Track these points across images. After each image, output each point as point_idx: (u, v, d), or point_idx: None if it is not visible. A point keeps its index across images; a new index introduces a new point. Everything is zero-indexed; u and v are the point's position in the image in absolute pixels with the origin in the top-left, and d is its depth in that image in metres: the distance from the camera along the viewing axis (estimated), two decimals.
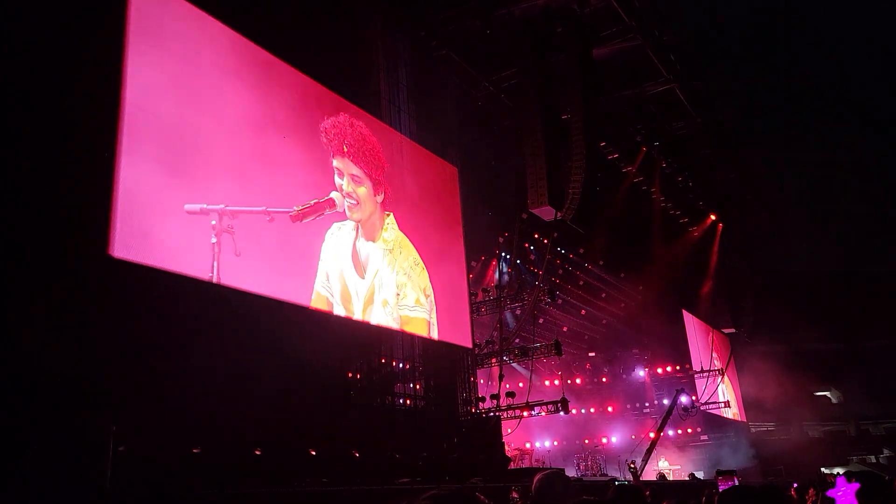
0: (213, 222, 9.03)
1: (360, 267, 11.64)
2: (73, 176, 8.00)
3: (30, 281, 7.61)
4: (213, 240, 9.00)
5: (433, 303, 13.60)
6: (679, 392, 23.12)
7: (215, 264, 8.94)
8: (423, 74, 16.25)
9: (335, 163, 11.47)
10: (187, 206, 8.85)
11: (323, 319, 11.11)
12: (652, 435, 24.66)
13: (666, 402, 28.48)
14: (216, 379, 9.04)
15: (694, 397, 24.99)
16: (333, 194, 11.25)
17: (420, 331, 12.95)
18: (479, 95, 18.26)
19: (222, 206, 9.21)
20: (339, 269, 11.21)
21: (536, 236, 21.32)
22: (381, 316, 12.12)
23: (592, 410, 27.96)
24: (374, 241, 12.19)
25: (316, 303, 10.81)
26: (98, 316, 7.97)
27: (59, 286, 7.72)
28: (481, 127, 18.77)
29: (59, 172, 7.93)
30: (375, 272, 12.01)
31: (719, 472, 16.63)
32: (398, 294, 12.37)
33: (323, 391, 11.37)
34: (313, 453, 10.13)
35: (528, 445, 22.53)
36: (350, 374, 12.98)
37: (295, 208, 10.50)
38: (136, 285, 8.24)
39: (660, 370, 29.11)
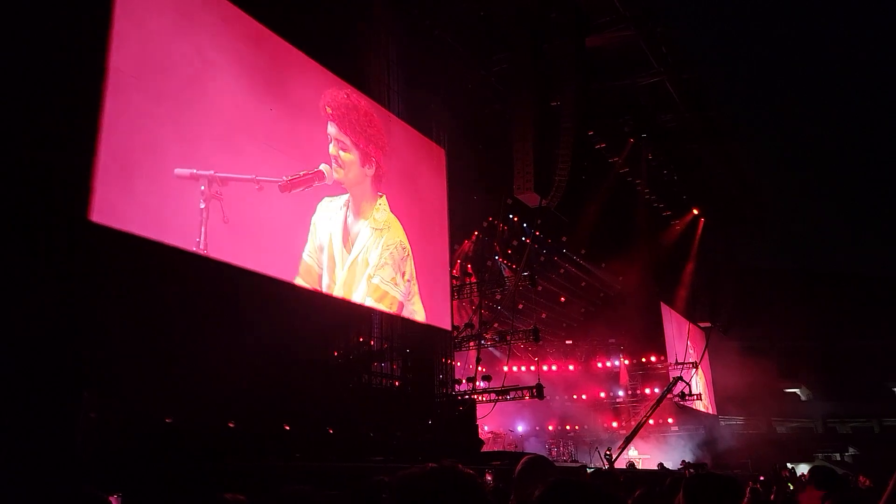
0: (203, 188, 9.00)
1: (348, 242, 11.67)
2: (53, 136, 7.85)
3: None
4: (202, 205, 8.98)
5: (414, 288, 13.56)
6: (677, 380, 23.41)
7: (203, 229, 8.92)
8: (415, 54, 16.10)
9: (328, 128, 11.46)
10: (177, 171, 8.79)
11: (303, 295, 11.07)
12: (620, 423, 24.97)
13: (641, 391, 28.89)
14: (192, 349, 8.98)
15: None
16: (322, 166, 11.24)
17: (385, 306, 12.76)
18: (470, 78, 18.15)
19: (212, 172, 9.17)
20: (329, 241, 11.25)
21: (517, 220, 21.33)
22: (365, 290, 12.09)
23: (566, 397, 28.22)
24: (364, 218, 12.19)
25: (302, 271, 10.76)
26: (72, 278, 7.87)
27: (33, 248, 7.60)
28: (470, 110, 18.67)
29: (39, 133, 7.77)
30: (362, 248, 12.04)
31: (687, 465, 16.91)
32: (377, 265, 12.34)
33: (299, 367, 11.34)
34: (287, 429, 10.12)
35: (501, 430, 22.70)
36: (328, 351, 12.96)
37: (284, 178, 10.45)
38: (114, 251, 8.14)
39: (635, 360, 29.43)
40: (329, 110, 11.44)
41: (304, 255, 10.75)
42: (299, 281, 10.69)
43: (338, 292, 11.60)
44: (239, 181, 9.65)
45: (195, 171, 9.01)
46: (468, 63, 17.57)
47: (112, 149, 7.99)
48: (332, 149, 11.56)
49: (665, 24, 17.37)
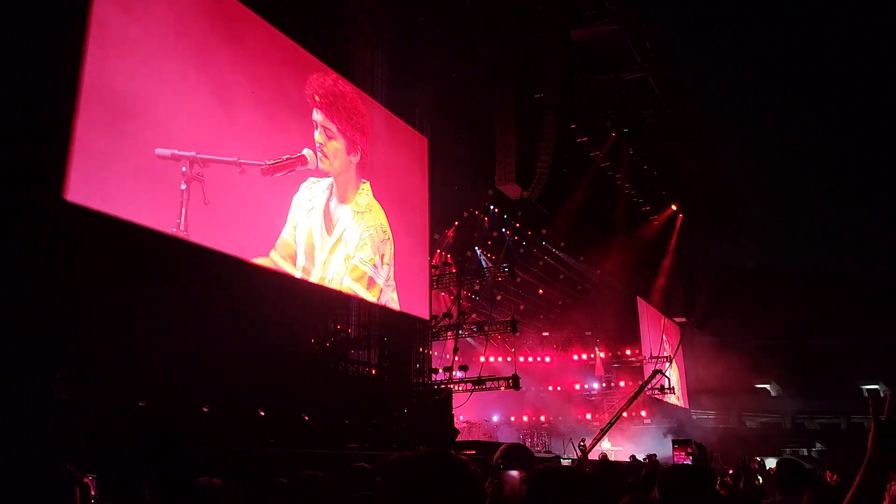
0: (184, 169, 8.88)
1: (329, 225, 11.59)
2: (28, 112, 7.71)
3: None
4: (183, 186, 8.88)
5: (391, 273, 13.56)
6: (656, 373, 23.63)
7: (183, 211, 8.83)
8: (400, 43, 16.01)
9: (314, 114, 11.33)
10: (158, 150, 8.66)
11: (282, 280, 11.01)
12: (594, 415, 25.22)
13: (616, 384, 29.17)
14: (167, 333, 8.90)
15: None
16: (305, 151, 11.13)
17: (363, 286, 12.72)
18: (455, 67, 18.09)
19: (193, 153, 9.06)
20: (308, 224, 11.15)
21: (498, 211, 21.36)
22: (343, 270, 12.01)
23: (542, 388, 28.40)
24: (346, 202, 12.14)
25: (279, 246, 10.61)
26: (45, 258, 7.76)
27: (4, 228, 7.47)
28: (454, 99, 18.62)
29: (12, 109, 7.63)
30: (343, 230, 11.96)
31: (675, 442, 17.19)
32: (357, 246, 12.30)
33: (276, 352, 11.29)
34: (262, 414, 10.09)
35: (477, 419, 22.81)
36: (304, 338, 12.91)
37: (266, 162, 10.34)
38: (90, 231, 8.03)
39: (611, 353, 29.69)
40: (317, 98, 11.34)
41: (283, 233, 10.60)
42: (273, 255, 10.47)
43: (316, 275, 11.52)
44: (221, 163, 9.55)
45: (176, 151, 8.90)
46: (453, 52, 17.51)
47: (90, 127, 7.87)
48: (318, 136, 11.46)
49: (650, 20, 17.47)
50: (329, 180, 11.81)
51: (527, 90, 15.61)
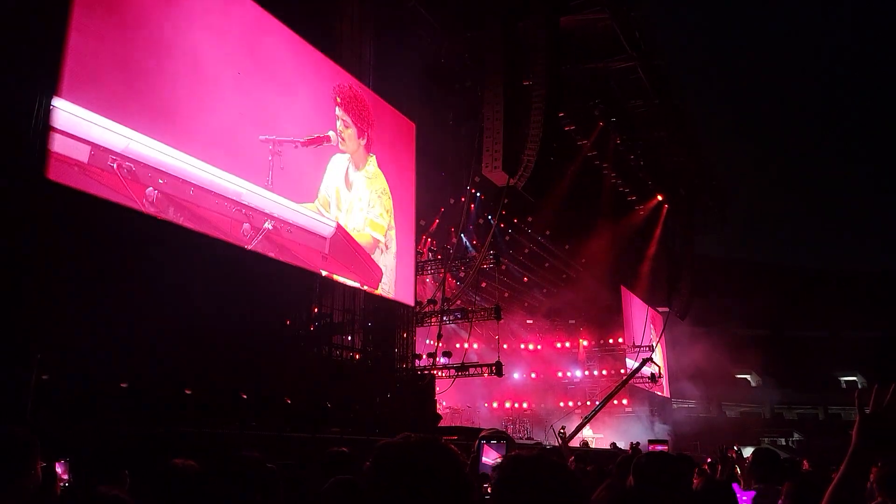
0: (271, 147, 11.52)
1: (349, 185, 13.86)
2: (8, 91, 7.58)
3: None
4: (270, 158, 11.45)
5: (391, 225, 14.78)
6: (646, 361, 23.74)
7: (270, 173, 11.39)
8: (390, 26, 15.90)
9: (336, 111, 13.63)
10: (261, 137, 11.30)
11: (267, 264, 10.97)
12: (576, 403, 25.40)
13: (598, 372, 29.36)
14: (150, 314, 8.83)
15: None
16: (329, 132, 13.26)
17: (378, 233, 14.33)
18: (444, 53, 17.98)
19: (274, 136, 11.59)
20: (336, 186, 13.49)
21: (484, 198, 21.31)
22: (359, 221, 13.93)
23: (525, 375, 28.53)
24: (360, 170, 14.12)
25: (320, 200, 12.83)
26: (26, 239, 7.66)
27: None
28: (442, 85, 18.53)
29: None
30: (359, 189, 14.10)
31: (651, 441, 17.33)
32: (370, 203, 14.36)
33: (260, 335, 11.26)
34: (244, 397, 10.05)
35: (459, 405, 22.88)
36: (289, 321, 12.88)
37: (304, 138, 12.59)
38: (70, 210, 7.94)
39: (594, 342, 29.85)
40: (338, 99, 13.68)
41: (322, 190, 13.11)
42: (316, 203, 12.74)
43: (342, 220, 13.37)
44: (284, 142, 11.86)
45: (270, 136, 11.47)
46: (442, 38, 17.40)
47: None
48: (338, 125, 13.54)
49: (639, 9, 17.42)
50: (347, 155, 13.68)
51: (515, 77, 15.50)
